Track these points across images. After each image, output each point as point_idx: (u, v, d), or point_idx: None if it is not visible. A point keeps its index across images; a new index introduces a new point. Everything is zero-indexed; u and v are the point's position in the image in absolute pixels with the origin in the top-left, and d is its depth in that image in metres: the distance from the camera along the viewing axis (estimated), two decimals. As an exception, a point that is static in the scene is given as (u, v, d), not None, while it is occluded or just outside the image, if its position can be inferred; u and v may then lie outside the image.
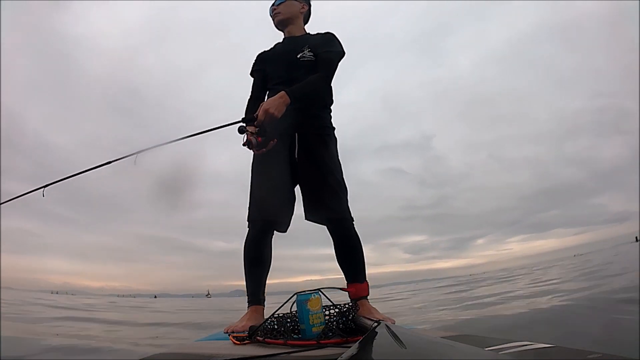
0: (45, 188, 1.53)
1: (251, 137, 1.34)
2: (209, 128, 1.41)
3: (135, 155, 1.42)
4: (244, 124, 1.36)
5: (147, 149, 1.44)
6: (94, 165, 1.49)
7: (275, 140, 1.38)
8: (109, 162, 1.47)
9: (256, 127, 1.34)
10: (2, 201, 1.54)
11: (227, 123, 1.42)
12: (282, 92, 1.37)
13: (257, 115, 1.34)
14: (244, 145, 1.37)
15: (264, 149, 1.37)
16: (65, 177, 1.53)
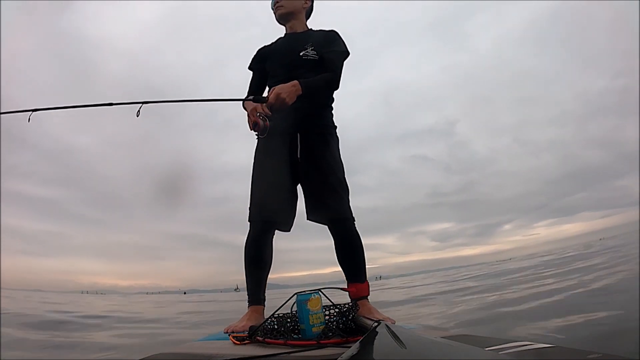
0: (33, 113, 1.44)
1: (259, 120, 1.35)
2: (220, 98, 1.42)
3: (140, 105, 1.39)
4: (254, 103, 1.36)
5: (153, 102, 1.43)
6: (97, 103, 1.44)
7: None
8: (112, 104, 1.43)
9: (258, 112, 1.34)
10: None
11: (237, 98, 1.43)
12: (295, 81, 1.37)
13: (268, 97, 1.35)
14: (252, 129, 1.37)
15: (262, 136, 1.38)
16: (59, 106, 1.45)
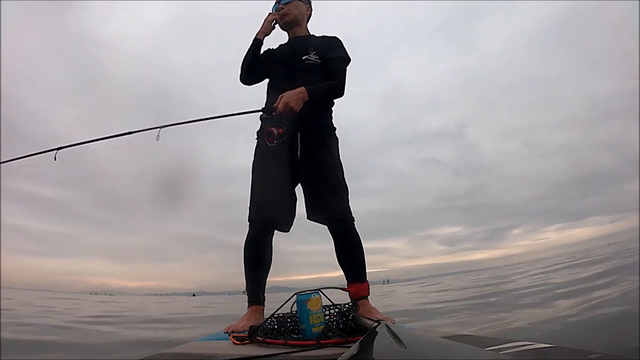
0: (58, 151, 1.55)
1: (272, 128, 1.38)
2: (230, 113, 1.46)
3: (158, 129, 1.47)
4: (266, 115, 1.38)
5: (169, 125, 1.49)
6: (114, 134, 1.53)
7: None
8: (130, 133, 1.51)
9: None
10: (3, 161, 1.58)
11: (246, 110, 1.47)
12: (302, 88, 1.40)
13: (276, 106, 1.37)
14: (265, 136, 1.41)
15: (277, 142, 1.40)
16: (81, 142, 1.56)
